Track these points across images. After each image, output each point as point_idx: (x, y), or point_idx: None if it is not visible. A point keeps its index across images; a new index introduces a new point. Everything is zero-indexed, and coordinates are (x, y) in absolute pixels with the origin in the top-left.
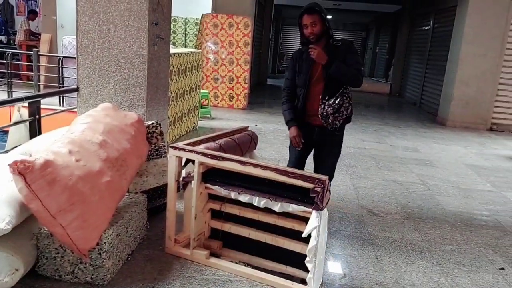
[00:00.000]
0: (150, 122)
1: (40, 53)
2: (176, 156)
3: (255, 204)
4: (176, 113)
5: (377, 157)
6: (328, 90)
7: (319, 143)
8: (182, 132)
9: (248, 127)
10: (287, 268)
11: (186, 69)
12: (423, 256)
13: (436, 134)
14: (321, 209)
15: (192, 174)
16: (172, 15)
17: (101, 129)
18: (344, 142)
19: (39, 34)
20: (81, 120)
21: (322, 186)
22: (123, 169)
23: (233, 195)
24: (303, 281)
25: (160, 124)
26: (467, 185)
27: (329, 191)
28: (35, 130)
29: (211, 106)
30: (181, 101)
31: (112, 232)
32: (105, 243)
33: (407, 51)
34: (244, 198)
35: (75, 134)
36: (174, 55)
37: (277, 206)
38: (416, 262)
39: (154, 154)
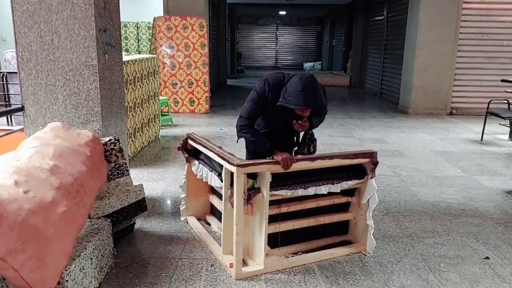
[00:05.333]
0: (107, 139)
1: None
2: (244, 174)
3: (321, 192)
4: (136, 124)
5: None
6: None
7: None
8: (143, 143)
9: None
10: (332, 238)
11: (142, 77)
12: (407, 252)
13: (401, 123)
14: (374, 176)
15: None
16: (122, 20)
17: (51, 152)
18: None
19: None
20: (27, 144)
21: (376, 157)
22: (80, 196)
23: (300, 192)
24: (348, 242)
25: (118, 140)
26: (438, 172)
27: None
28: None
29: (171, 112)
30: (140, 111)
31: (75, 267)
32: (67, 281)
33: (363, 42)
34: (310, 191)
35: (21, 161)
36: (128, 63)
37: (338, 188)
38: (401, 260)
39: (115, 173)
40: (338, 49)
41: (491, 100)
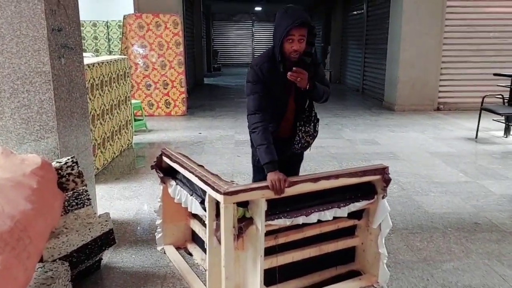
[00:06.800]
0: (63, 161)
1: None
2: (234, 203)
3: (326, 219)
4: (105, 133)
5: (338, 156)
6: (300, 113)
7: (287, 157)
8: (115, 153)
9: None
10: (337, 268)
11: (111, 80)
12: (426, 284)
13: (389, 121)
14: (386, 196)
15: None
16: (91, 19)
17: None
18: None
19: None
20: None
21: (388, 173)
22: (23, 244)
23: (301, 220)
24: (355, 272)
25: (76, 162)
26: (440, 178)
27: None
28: None
29: (146, 116)
30: (110, 118)
31: None
32: None
33: (343, 37)
34: (314, 218)
35: None
36: (94, 66)
37: (345, 212)
38: None
39: (73, 203)
40: (316, 45)
41: (485, 96)
